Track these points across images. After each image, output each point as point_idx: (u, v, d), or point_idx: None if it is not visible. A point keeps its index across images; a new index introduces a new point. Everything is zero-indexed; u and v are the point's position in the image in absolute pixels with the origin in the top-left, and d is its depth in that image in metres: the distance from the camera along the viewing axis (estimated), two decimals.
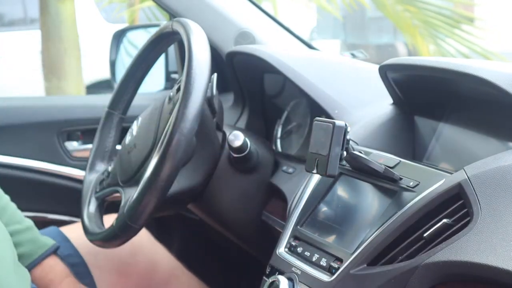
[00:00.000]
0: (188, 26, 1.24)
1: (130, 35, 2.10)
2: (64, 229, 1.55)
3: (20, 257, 1.34)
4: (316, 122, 1.04)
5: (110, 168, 1.43)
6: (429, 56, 3.82)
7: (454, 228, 0.90)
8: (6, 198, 1.41)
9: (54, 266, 1.40)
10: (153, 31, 1.42)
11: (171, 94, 1.30)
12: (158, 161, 1.15)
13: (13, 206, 1.41)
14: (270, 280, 1.08)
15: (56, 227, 1.55)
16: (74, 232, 1.45)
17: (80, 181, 1.74)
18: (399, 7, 3.88)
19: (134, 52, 1.49)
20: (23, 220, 1.40)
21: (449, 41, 3.85)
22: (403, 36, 4.12)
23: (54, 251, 1.41)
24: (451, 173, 0.98)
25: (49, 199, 1.89)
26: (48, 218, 1.87)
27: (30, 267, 1.36)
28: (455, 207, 0.92)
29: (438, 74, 1.12)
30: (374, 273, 0.95)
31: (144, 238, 1.60)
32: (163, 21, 2.14)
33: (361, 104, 1.36)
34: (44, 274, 1.38)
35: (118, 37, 2.07)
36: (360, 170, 1.11)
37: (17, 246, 1.32)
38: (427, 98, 1.22)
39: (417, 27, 3.80)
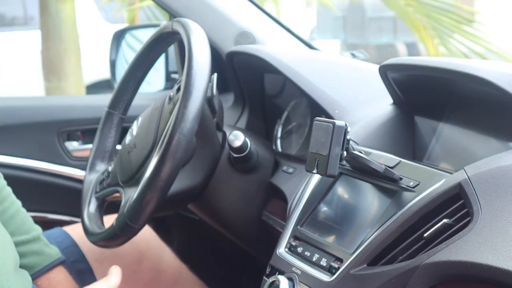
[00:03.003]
0: (188, 26, 1.24)
1: (130, 35, 2.10)
2: (70, 230, 1.55)
3: (24, 268, 1.33)
4: (316, 122, 1.04)
5: (110, 168, 1.43)
6: (438, 55, 3.84)
7: (454, 228, 0.90)
8: (18, 204, 1.40)
9: (60, 279, 1.39)
10: (153, 31, 1.42)
11: (171, 94, 1.30)
12: (158, 161, 1.15)
13: (23, 213, 1.39)
14: (270, 280, 1.08)
15: (62, 229, 1.55)
16: (80, 234, 1.44)
17: (80, 181, 1.74)
18: (401, 1, 3.90)
19: (134, 52, 1.49)
20: (31, 229, 1.38)
21: (457, 37, 3.86)
22: (414, 36, 4.15)
23: (60, 263, 1.40)
24: (451, 173, 0.98)
25: (49, 199, 1.89)
26: (48, 218, 1.87)
27: (33, 278, 1.35)
28: (455, 207, 0.92)
29: (438, 74, 1.12)
30: (374, 273, 0.95)
31: (150, 244, 1.60)
32: (163, 21, 2.14)
33: (361, 104, 1.36)
34: (50, 286, 1.38)
35: (118, 37, 2.06)
36: (360, 170, 1.11)
37: (21, 257, 1.32)
38: (427, 98, 1.22)
39: (420, 21, 3.83)
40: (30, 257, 1.35)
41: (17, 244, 1.31)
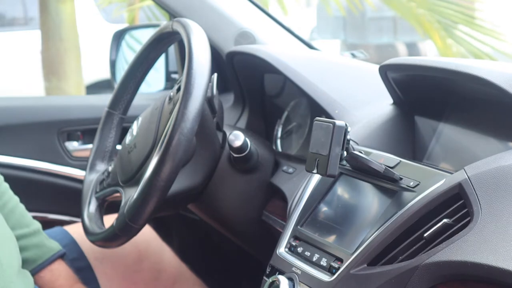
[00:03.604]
0: (188, 26, 1.24)
1: (130, 35, 2.10)
2: (70, 229, 1.55)
3: (26, 261, 1.33)
4: (316, 122, 1.04)
5: (110, 168, 1.43)
6: (447, 48, 3.84)
7: (455, 228, 0.91)
8: (16, 199, 1.40)
9: (61, 272, 1.39)
10: (153, 31, 1.42)
11: (171, 94, 1.30)
12: (158, 161, 1.15)
13: (22, 208, 1.40)
14: (271, 280, 1.08)
15: (62, 228, 1.55)
16: (80, 233, 1.44)
17: (80, 181, 1.74)
18: None
19: (134, 52, 1.49)
20: (31, 223, 1.38)
21: (463, 28, 3.87)
22: (414, 36, 4.15)
23: (61, 256, 1.40)
24: (451, 173, 0.98)
25: (49, 199, 1.89)
26: (48, 218, 1.87)
27: (35, 271, 1.35)
28: (456, 207, 0.92)
29: (438, 74, 1.12)
30: (374, 273, 0.95)
31: (150, 244, 1.60)
32: (163, 21, 2.14)
33: (361, 104, 1.36)
34: (52, 279, 1.38)
35: (118, 37, 2.06)
36: (360, 170, 1.11)
37: (23, 250, 1.32)
38: (427, 98, 1.22)
39: (423, 16, 3.83)
40: (32, 251, 1.36)
41: (18, 237, 1.31)
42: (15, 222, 1.34)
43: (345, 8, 4.45)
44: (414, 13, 3.89)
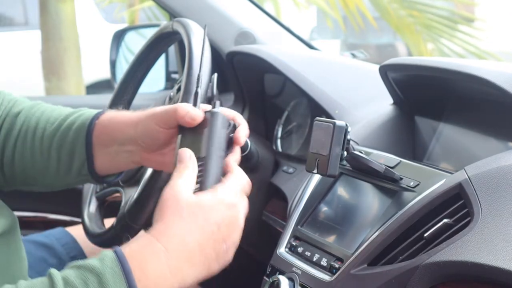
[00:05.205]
0: (189, 26, 1.24)
1: (130, 35, 2.10)
2: (71, 229, 1.54)
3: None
4: (316, 122, 1.04)
5: None
6: (428, 55, 3.84)
7: (455, 228, 0.91)
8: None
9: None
10: (153, 31, 1.41)
11: (171, 94, 1.30)
12: None
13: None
14: (271, 280, 1.08)
15: (63, 228, 1.55)
16: (81, 233, 1.43)
17: None
18: (402, 12, 3.90)
19: (134, 53, 1.48)
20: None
21: (445, 42, 3.89)
22: (403, 38, 4.14)
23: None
24: (451, 173, 0.98)
25: (49, 199, 1.88)
26: (49, 218, 1.87)
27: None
28: (456, 207, 0.92)
29: (439, 74, 1.12)
30: (375, 273, 0.95)
31: None
32: (163, 21, 2.14)
33: (361, 104, 1.36)
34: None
35: (118, 37, 2.06)
36: (361, 170, 1.11)
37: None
38: (427, 98, 1.22)
39: (420, 33, 3.83)
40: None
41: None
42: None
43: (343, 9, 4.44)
44: (412, 29, 3.89)
